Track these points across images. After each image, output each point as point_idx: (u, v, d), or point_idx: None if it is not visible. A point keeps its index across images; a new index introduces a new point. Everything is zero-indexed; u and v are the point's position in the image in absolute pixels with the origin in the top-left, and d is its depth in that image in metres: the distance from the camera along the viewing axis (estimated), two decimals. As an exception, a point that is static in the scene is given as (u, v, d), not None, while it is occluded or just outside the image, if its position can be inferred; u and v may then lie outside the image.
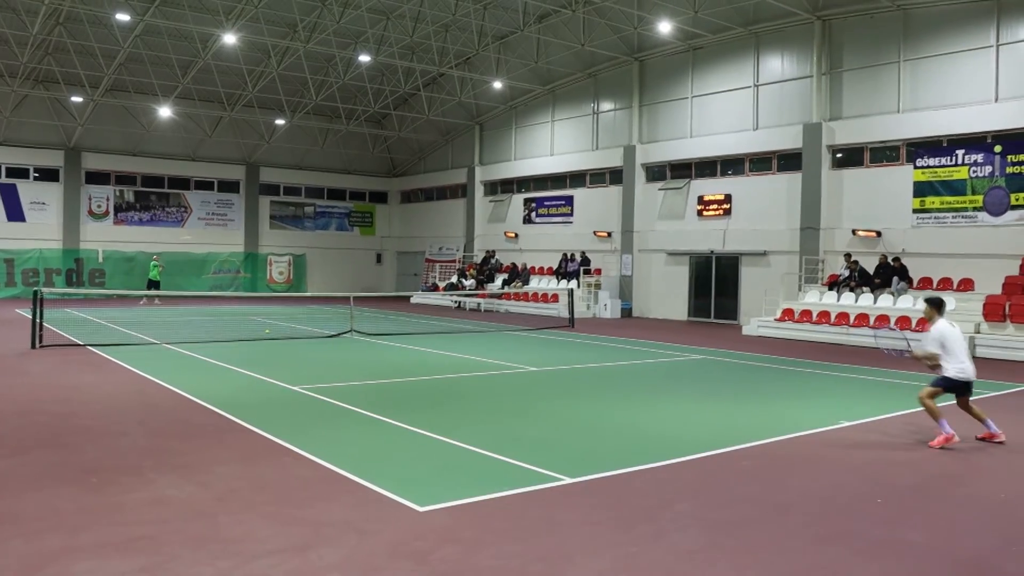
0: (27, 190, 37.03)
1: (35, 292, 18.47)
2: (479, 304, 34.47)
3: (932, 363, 9.77)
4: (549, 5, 29.05)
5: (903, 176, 23.74)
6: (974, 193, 22.12)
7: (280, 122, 39.54)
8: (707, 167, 29.57)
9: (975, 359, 18.81)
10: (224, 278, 40.61)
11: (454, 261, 41.31)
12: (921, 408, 9.84)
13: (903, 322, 21.25)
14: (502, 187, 39.41)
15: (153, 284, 33.73)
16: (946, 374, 9.68)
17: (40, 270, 36.52)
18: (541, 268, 35.43)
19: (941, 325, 9.77)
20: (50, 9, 27.42)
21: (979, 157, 22.06)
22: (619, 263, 32.22)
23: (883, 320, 21.50)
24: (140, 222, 39.56)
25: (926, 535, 6.44)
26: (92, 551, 5.69)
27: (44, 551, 5.66)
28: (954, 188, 22.50)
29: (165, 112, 36.28)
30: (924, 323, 20.75)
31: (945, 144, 22.90)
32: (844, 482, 7.93)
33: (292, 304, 35.05)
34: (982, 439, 9.85)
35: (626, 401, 12.48)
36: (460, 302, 35.21)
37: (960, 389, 9.76)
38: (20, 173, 36.92)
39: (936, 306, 9.98)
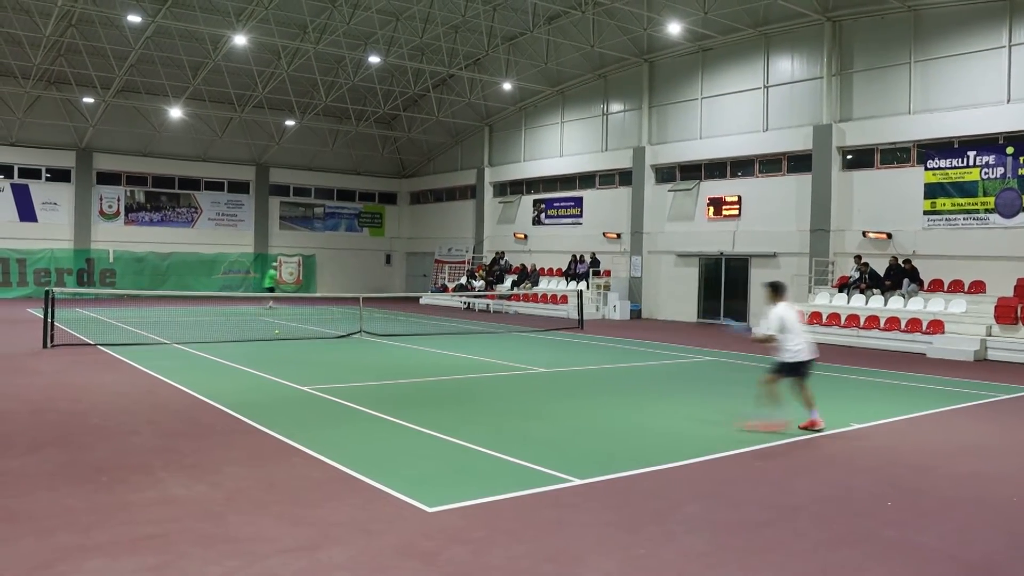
0: (39, 190, 37.22)
1: (47, 292, 18.57)
2: (488, 305, 34.48)
3: (770, 344, 10.20)
4: (558, 6, 29.06)
5: (914, 178, 23.65)
6: (986, 195, 22.01)
7: (290, 123, 39.65)
8: (717, 168, 29.51)
9: (985, 362, 18.88)
10: (234, 278, 40.72)
11: (463, 262, 41.33)
12: (930, 411, 9.83)
13: (914, 324, 21.19)
14: (511, 188, 39.42)
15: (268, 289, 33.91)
16: (781, 358, 10.08)
17: (52, 270, 36.71)
18: (550, 269, 35.41)
19: (780, 308, 10.14)
20: (63, 11, 27.56)
21: (991, 159, 21.95)
22: (628, 264, 32.18)
23: (893, 323, 21.45)
24: (151, 222, 39.71)
25: (936, 538, 6.42)
26: (102, 549, 5.71)
27: (55, 549, 5.69)
28: (965, 190, 22.40)
29: (176, 113, 36.42)
30: (934, 325, 20.73)
31: (956, 146, 22.80)
32: (854, 484, 7.90)
33: (302, 305, 35.12)
34: (804, 428, 10.13)
35: (635, 402, 12.46)
36: (469, 303, 35.24)
37: (799, 370, 10.10)
38: (32, 174, 37.12)
39: (776, 290, 10.39)
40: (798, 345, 10.00)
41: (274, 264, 36.65)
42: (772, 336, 10.05)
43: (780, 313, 10.05)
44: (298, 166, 43.78)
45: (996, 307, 20.08)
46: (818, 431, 10.05)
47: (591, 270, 32.33)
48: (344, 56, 33.50)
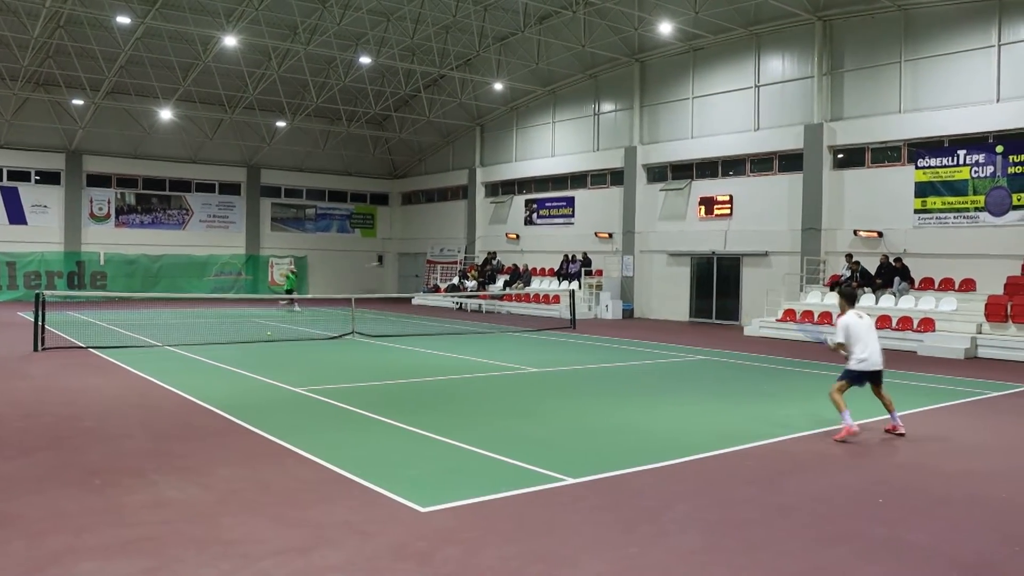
0: (28, 193, 37.06)
1: (37, 295, 18.49)
2: (480, 305, 34.48)
3: (844, 352, 10.14)
4: (549, 6, 29.07)
5: (904, 176, 23.74)
6: (976, 193, 22.11)
7: (281, 124, 39.56)
8: (708, 168, 29.57)
9: (976, 359, 18.96)
10: (225, 280, 40.62)
11: (455, 262, 41.32)
12: (921, 409, 9.87)
13: (904, 322, 21.27)
14: (503, 188, 39.42)
15: (288, 292, 33.73)
16: (847, 366, 10.06)
17: (42, 273, 36.55)
18: (542, 269, 35.44)
19: (847, 317, 10.11)
20: (51, 12, 27.45)
21: (981, 157, 22.05)
22: (620, 264, 32.22)
23: (884, 321, 21.53)
24: (141, 224, 39.58)
25: (927, 536, 6.45)
26: (95, 552, 5.70)
27: (47, 552, 5.67)
28: (956, 188, 22.50)
29: (166, 114, 36.31)
30: (925, 323, 20.81)
31: (946, 144, 22.90)
32: (845, 483, 7.93)
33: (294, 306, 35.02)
34: (888, 431, 10.09)
35: (627, 402, 12.48)
36: (461, 303, 35.24)
37: (865, 379, 10.06)
38: (22, 176, 36.96)
39: (847, 298, 10.44)
40: (863, 354, 9.91)
41: (291, 269, 36.70)
42: (843, 344, 10.04)
43: (846, 322, 10.03)
44: (289, 167, 43.71)
45: (986, 305, 20.18)
46: (900, 435, 9.92)
47: (583, 270, 32.36)
48: (335, 57, 33.46)
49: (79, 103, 35.21)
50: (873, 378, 10.08)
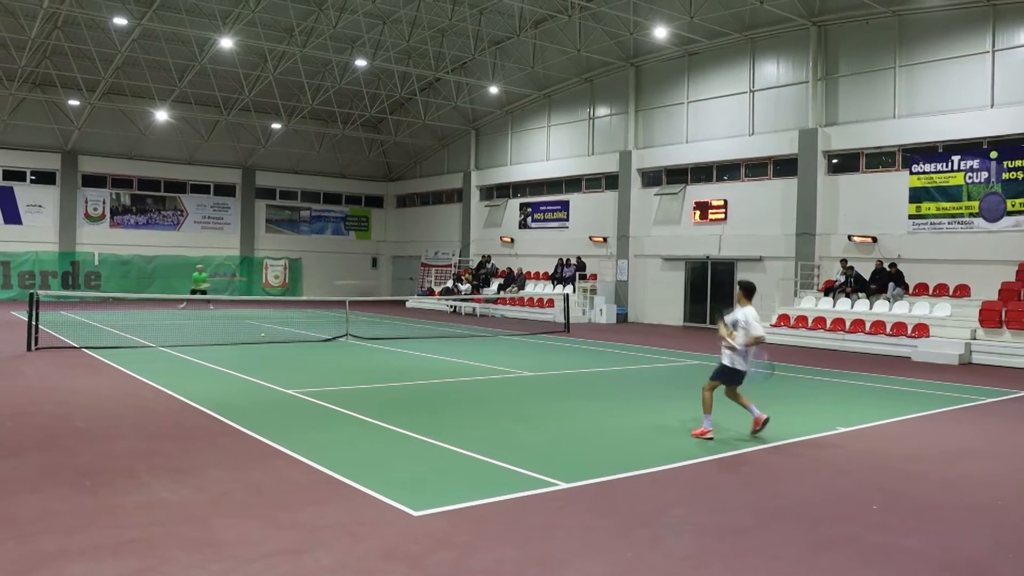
0: (24, 193, 36.98)
1: (31, 295, 18.45)
2: (475, 309, 34.46)
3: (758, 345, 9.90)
4: (545, 10, 29.11)
5: (899, 182, 23.80)
6: (970, 199, 22.17)
7: (276, 126, 39.54)
8: (703, 172, 29.61)
9: (970, 365, 18.99)
10: (219, 281, 40.53)
11: (450, 266, 41.31)
12: (915, 415, 9.86)
13: (899, 328, 21.30)
14: (498, 192, 39.43)
15: (198, 291, 32.49)
16: (731, 364, 9.89)
17: (36, 272, 36.48)
18: (537, 273, 35.43)
19: (750, 310, 9.94)
20: (48, 13, 27.41)
21: (975, 163, 22.11)
22: (615, 268, 32.23)
23: (879, 326, 21.57)
24: (136, 225, 39.52)
25: (922, 541, 6.44)
26: (86, 553, 5.67)
27: (38, 553, 5.64)
28: (950, 194, 22.55)
29: (162, 116, 36.28)
30: (919, 328, 20.84)
31: (941, 150, 22.96)
32: (840, 488, 7.93)
33: (288, 308, 35.00)
34: (756, 432, 9.99)
35: (622, 406, 12.47)
36: (456, 306, 35.22)
37: (740, 379, 10.00)
38: (17, 176, 36.88)
39: (747, 291, 10.15)
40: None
41: (198, 266, 34.91)
42: (761, 337, 9.80)
43: (755, 315, 9.90)
44: (284, 169, 43.67)
45: (981, 311, 20.20)
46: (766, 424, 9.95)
47: (577, 274, 32.36)
48: (330, 59, 33.45)
49: (75, 104, 35.16)
50: (742, 379, 10.01)
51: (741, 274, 27.77)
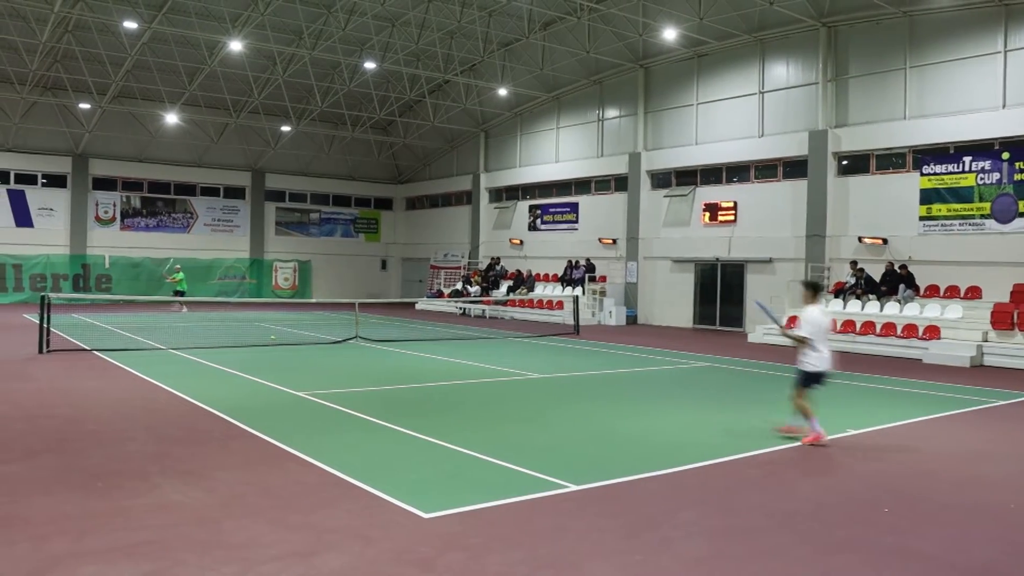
0: (35, 196, 37.18)
1: (42, 297, 18.52)
2: (484, 311, 34.46)
3: (802, 346, 9.84)
4: (554, 12, 29.11)
5: (910, 183, 23.70)
6: (981, 200, 22.06)
7: (286, 129, 39.65)
8: (712, 174, 29.56)
9: (981, 367, 18.89)
10: (229, 284, 40.66)
11: (459, 268, 41.32)
12: (927, 417, 9.80)
13: (910, 330, 21.21)
14: (507, 194, 39.44)
15: (179, 292, 32.88)
16: (803, 368, 9.80)
17: (47, 275, 36.67)
18: (546, 275, 35.40)
19: (813, 311, 9.87)
20: (59, 17, 27.54)
21: (986, 164, 22.00)
22: (624, 270, 32.20)
23: (889, 328, 21.49)
24: (146, 228, 39.68)
25: (934, 544, 6.41)
26: (98, 555, 5.69)
27: (51, 555, 5.66)
28: (961, 195, 22.45)
29: (172, 119, 36.42)
30: (930, 331, 20.75)
31: (952, 151, 22.86)
32: (851, 490, 7.89)
33: (297, 310, 35.06)
34: (786, 435, 9.93)
35: (631, 408, 12.45)
36: (465, 308, 35.22)
37: (821, 380, 9.85)
38: (28, 179, 37.09)
39: (813, 290, 10.14)
40: (826, 352, 9.76)
41: (176, 266, 34.79)
42: (805, 339, 9.72)
43: (812, 317, 9.80)
44: (294, 172, 43.78)
45: (992, 313, 20.11)
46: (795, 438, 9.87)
47: (587, 276, 32.33)
48: (340, 62, 33.51)
49: (86, 107, 35.33)
50: (822, 380, 9.87)
51: (750, 276, 27.78)
